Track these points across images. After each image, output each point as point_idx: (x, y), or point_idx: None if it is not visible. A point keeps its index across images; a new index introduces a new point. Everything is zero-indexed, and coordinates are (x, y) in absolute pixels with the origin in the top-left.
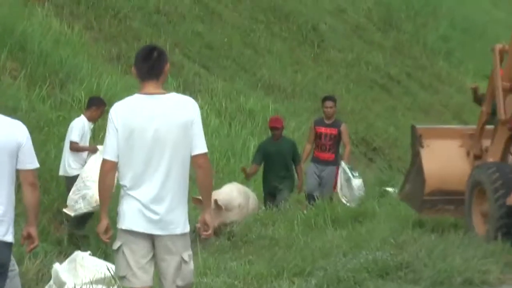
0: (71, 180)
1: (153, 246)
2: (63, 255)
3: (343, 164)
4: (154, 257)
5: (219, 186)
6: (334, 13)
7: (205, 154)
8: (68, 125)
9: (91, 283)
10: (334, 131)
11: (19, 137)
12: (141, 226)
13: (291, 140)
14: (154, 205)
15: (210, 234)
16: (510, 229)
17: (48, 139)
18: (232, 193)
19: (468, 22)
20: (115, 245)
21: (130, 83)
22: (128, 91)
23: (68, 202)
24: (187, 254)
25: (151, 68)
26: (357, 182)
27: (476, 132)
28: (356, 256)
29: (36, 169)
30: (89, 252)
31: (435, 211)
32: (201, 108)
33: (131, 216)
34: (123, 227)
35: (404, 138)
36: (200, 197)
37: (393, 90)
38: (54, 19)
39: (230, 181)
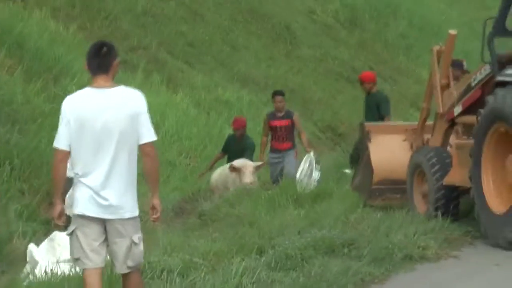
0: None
1: (105, 229)
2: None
3: (311, 154)
4: (106, 239)
5: (198, 169)
6: (305, 13)
7: (151, 143)
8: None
9: (57, 262)
10: (287, 122)
11: None
12: (93, 211)
13: (252, 141)
14: (103, 191)
15: (158, 218)
16: (448, 207)
17: (41, 128)
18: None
19: (425, 21)
20: (70, 229)
21: (118, 78)
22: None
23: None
24: (137, 237)
25: (100, 63)
26: (316, 175)
27: (418, 127)
28: (307, 234)
29: None
30: (66, 232)
31: (383, 199)
32: (181, 100)
33: (83, 202)
34: (76, 212)
35: None
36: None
37: (357, 82)
38: (51, 20)
39: (206, 165)
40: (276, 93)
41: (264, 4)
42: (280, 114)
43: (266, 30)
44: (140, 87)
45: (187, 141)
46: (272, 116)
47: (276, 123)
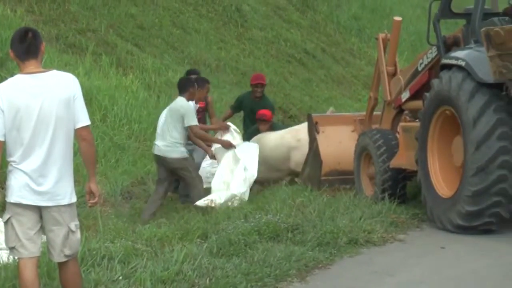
0: None
1: (41, 217)
2: None
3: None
4: (42, 228)
5: (147, 152)
6: None
7: (87, 126)
8: None
9: None
10: (202, 104)
11: None
12: (29, 199)
13: (271, 102)
14: (41, 178)
15: (96, 202)
16: (394, 190)
17: None
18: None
19: (377, 3)
20: (4, 218)
21: (66, 61)
22: (64, 68)
23: None
24: (74, 224)
25: (28, 48)
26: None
27: (366, 117)
28: (252, 218)
29: None
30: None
31: (332, 190)
32: (131, 82)
33: (18, 190)
34: (12, 200)
35: (318, 106)
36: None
37: (309, 64)
38: None
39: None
40: (191, 72)
41: None
42: None
43: (217, 12)
44: (89, 70)
45: (136, 124)
46: None
47: None
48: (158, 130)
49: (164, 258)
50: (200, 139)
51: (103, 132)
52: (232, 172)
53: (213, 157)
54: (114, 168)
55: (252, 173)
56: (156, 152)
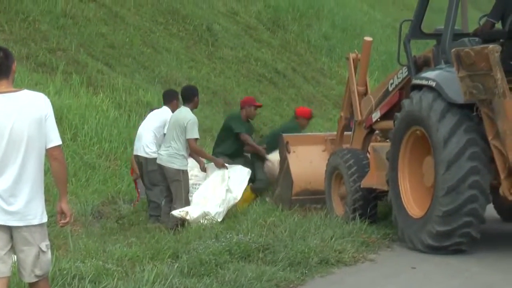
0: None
1: (12, 237)
2: None
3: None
4: (12, 248)
5: (118, 172)
6: (227, 15)
7: (59, 146)
8: None
9: None
10: None
11: None
12: None
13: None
14: (11, 197)
15: (68, 222)
16: (365, 210)
17: None
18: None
19: (348, 23)
20: None
21: (37, 80)
22: (34, 87)
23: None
24: (44, 244)
25: (0, 68)
26: None
27: (337, 136)
28: (223, 238)
29: None
30: None
31: (303, 209)
32: (102, 101)
33: None
34: None
35: None
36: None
37: (279, 83)
38: None
39: (127, 167)
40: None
41: (186, 5)
42: None
43: (188, 31)
44: (59, 89)
45: (107, 144)
46: None
47: None
48: (159, 137)
49: (134, 278)
50: (196, 154)
51: (73, 151)
52: (214, 190)
53: (204, 169)
54: (85, 187)
55: (235, 196)
56: (158, 161)
